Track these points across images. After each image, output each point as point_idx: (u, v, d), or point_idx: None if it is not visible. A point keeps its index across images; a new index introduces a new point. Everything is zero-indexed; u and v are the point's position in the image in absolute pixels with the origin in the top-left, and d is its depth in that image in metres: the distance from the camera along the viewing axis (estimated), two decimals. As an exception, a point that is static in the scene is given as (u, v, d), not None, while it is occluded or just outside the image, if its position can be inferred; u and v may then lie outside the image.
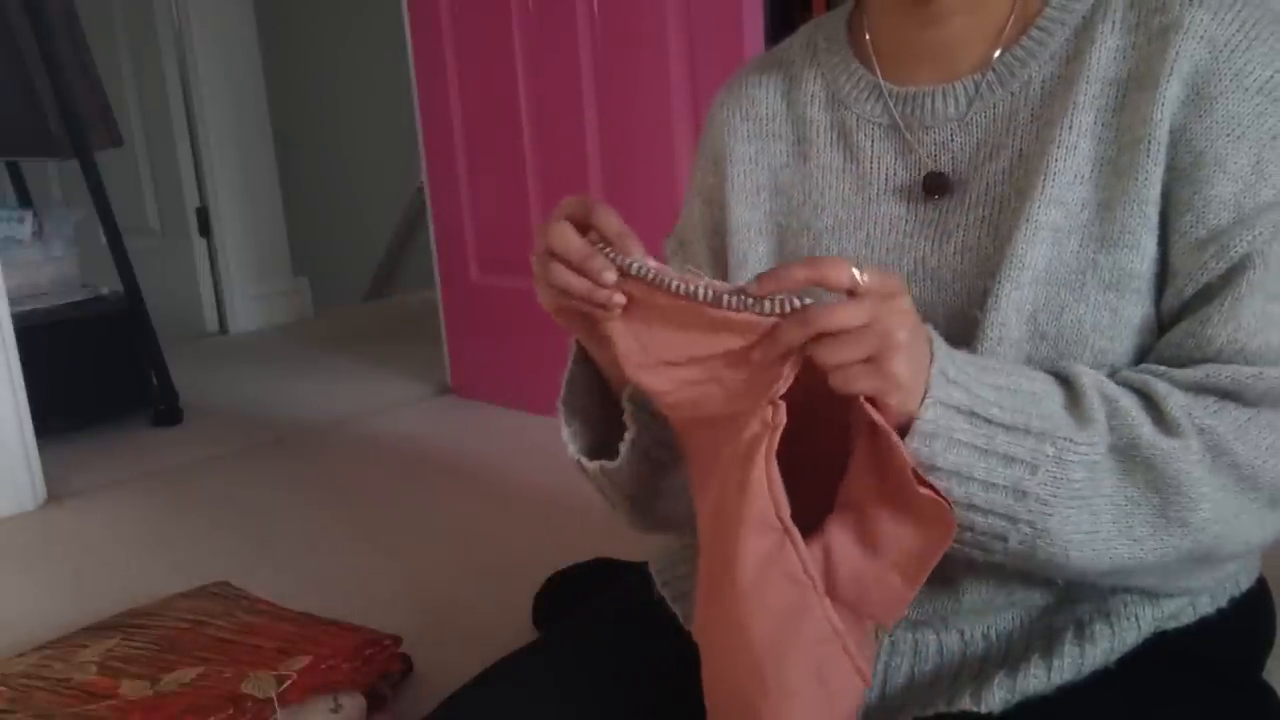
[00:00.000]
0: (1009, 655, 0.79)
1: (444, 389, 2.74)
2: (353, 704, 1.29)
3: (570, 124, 2.30)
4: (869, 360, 0.65)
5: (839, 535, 0.70)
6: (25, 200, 2.96)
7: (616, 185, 2.28)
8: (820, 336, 0.65)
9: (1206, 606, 0.81)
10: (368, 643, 1.34)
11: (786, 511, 0.66)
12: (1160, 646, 0.79)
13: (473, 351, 2.67)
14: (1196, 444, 0.69)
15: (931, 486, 0.67)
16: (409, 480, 2.19)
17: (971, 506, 0.68)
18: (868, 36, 0.86)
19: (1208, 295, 0.73)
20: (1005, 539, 0.70)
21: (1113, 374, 0.74)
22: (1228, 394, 0.70)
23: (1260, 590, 0.86)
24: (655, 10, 2.10)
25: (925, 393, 0.66)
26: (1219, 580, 0.81)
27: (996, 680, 0.76)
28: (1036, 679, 0.76)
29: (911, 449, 0.67)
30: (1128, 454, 0.69)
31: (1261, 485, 0.71)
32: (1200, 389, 0.71)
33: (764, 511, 0.66)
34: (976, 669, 0.79)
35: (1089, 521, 0.69)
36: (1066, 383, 0.71)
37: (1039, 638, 0.78)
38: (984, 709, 0.75)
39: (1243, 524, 0.71)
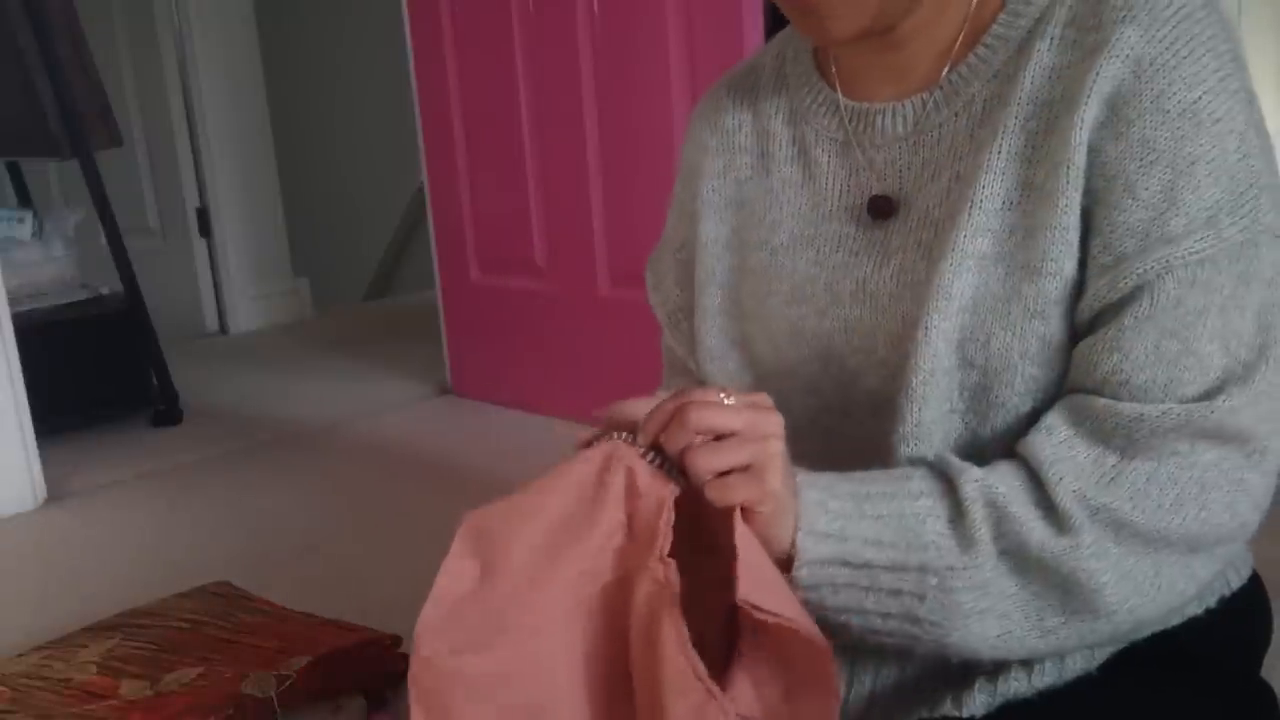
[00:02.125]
0: (987, 664, 0.78)
1: (444, 389, 2.74)
2: (353, 704, 1.29)
3: (570, 124, 2.30)
4: (746, 469, 0.66)
5: (757, 664, 0.70)
6: (25, 200, 2.96)
7: (616, 185, 2.28)
8: (698, 448, 0.66)
9: (1194, 608, 0.80)
10: (368, 643, 1.34)
11: (703, 670, 0.66)
12: (1146, 648, 0.79)
13: (473, 351, 2.67)
14: (1089, 535, 0.69)
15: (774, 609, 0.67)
16: (409, 480, 2.19)
17: (874, 631, 0.71)
18: (829, 50, 0.85)
19: (1102, 323, 0.71)
20: (914, 649, 0.73)
21: (1030, 431, 0.73)
22: (1111, 441, 0.69)
23: (1253, 588, 0.85)
24: (655, 10, 2.10)
25: (796, 552, 0.68)
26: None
27: (977, 685, 0.76)
28: (1017, 682, 0.76)
29: (799, 596, 0.69)
30: (1020, 556, 0.69)
31: (1174, 541, 0.70)
32: (1091, 440, 0.70)
33: (681, 672, 0.65)
34: (959, 675, 0.79)
35: (997, 625, 0.70)
36: (952, 490, 0.70)
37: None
38: (965, 713, 0.75)
39: (1165, 581, 0.71)
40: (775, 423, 0.68)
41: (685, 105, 2.11)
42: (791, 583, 0.69)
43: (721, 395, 0.67)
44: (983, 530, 0.69)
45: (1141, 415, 0.69)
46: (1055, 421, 0.71)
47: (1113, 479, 0.69)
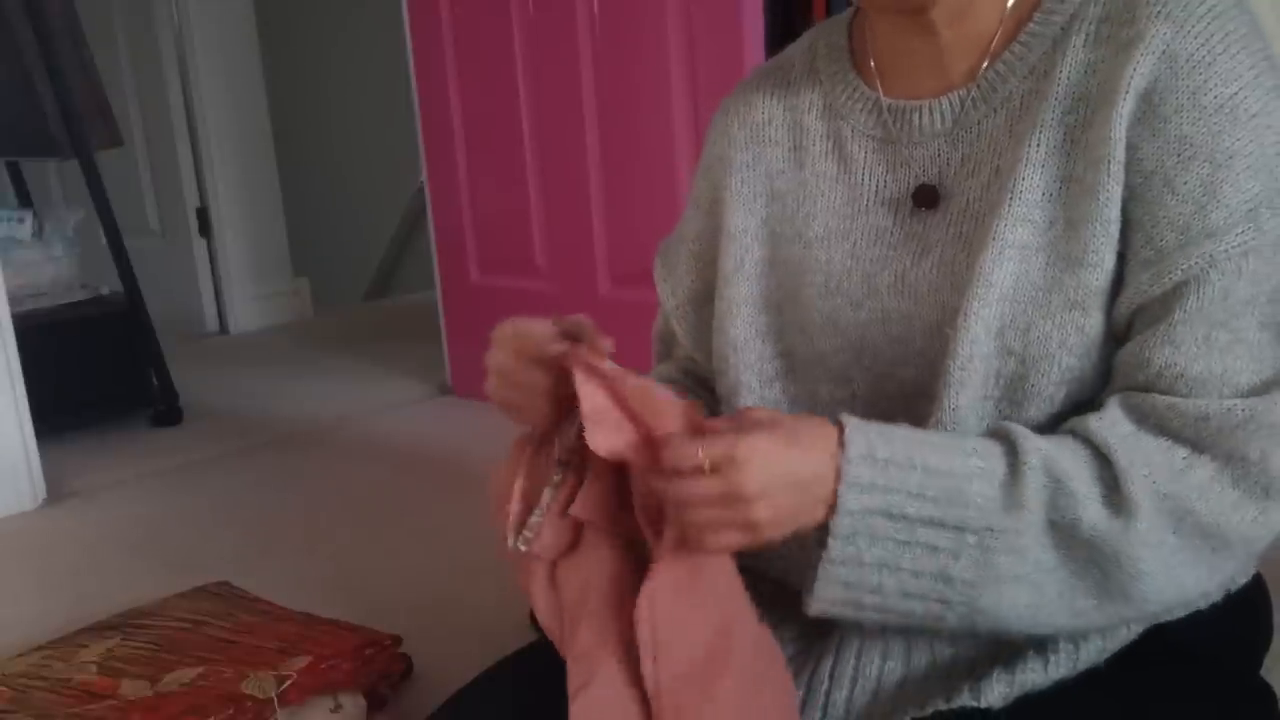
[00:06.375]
0: (1001, 654, 0.79)
1: (444, 389, 2.74)
2: (353, 704, 1.29)
3: (570, 125, 2.30)
4: (732, 527, 0.69)
5: None
6: (25, 200, 2.96)
7: (616, 186, 2.28)
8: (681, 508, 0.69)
9: (1202, 602, 0.80)
10: (368, 643, 1.34)
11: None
12: (1155, 643, 0.79)
13: (473, 351, 2.65)
14: (1146, 522, 0.69)
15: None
16: (409, 480, 2.19)
17: (905, 594, 0.71)
18: (868, 45, 0.87)
19: (1146, 318, 0.72)
20: (943, 618, 0.72)
21: (1084, 416, 0.73)
22: (1179, 436, 0.70)
23: (1256, 586, 0.86)
24: (655, 12, 2.10)
25: (836, 502, 0.70)
26: None
27: (994, 675, 0.76)
28: (1034, 674, 0.76)
29: (833, 551, 0.71)
30: (1069, 532, 0.70)
31: (1231, 541, 0.71)
32: (1158, 434, 0.70)
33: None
34: (970, 667, 0.79)
35: (1029, 595, 0.71)
36: (1012, 453, 0.71)
37: (1031, 637, 0.78)
38: (984, 704, 0.75)
39: (1215, 581, 0.73)
40: (753, 481, 0.68)
41: (685, 105, 2.11)
42: (831, 535, 0.70)
43: (698, 453, 0.68)
44: (1035, 498, 0.69)
45: (1206, 414, 0.69)
46: (1117, 416, 0.72)
47: (1183, 470, 0.70)
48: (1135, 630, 0.79)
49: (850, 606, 0.73)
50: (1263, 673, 0.87)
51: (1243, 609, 0.83)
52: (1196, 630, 0.80)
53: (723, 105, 0.96)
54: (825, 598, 0.73)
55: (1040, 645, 0.78)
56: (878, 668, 0.81)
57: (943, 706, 0.76)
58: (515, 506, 0.78)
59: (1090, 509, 0.69)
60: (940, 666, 0.80)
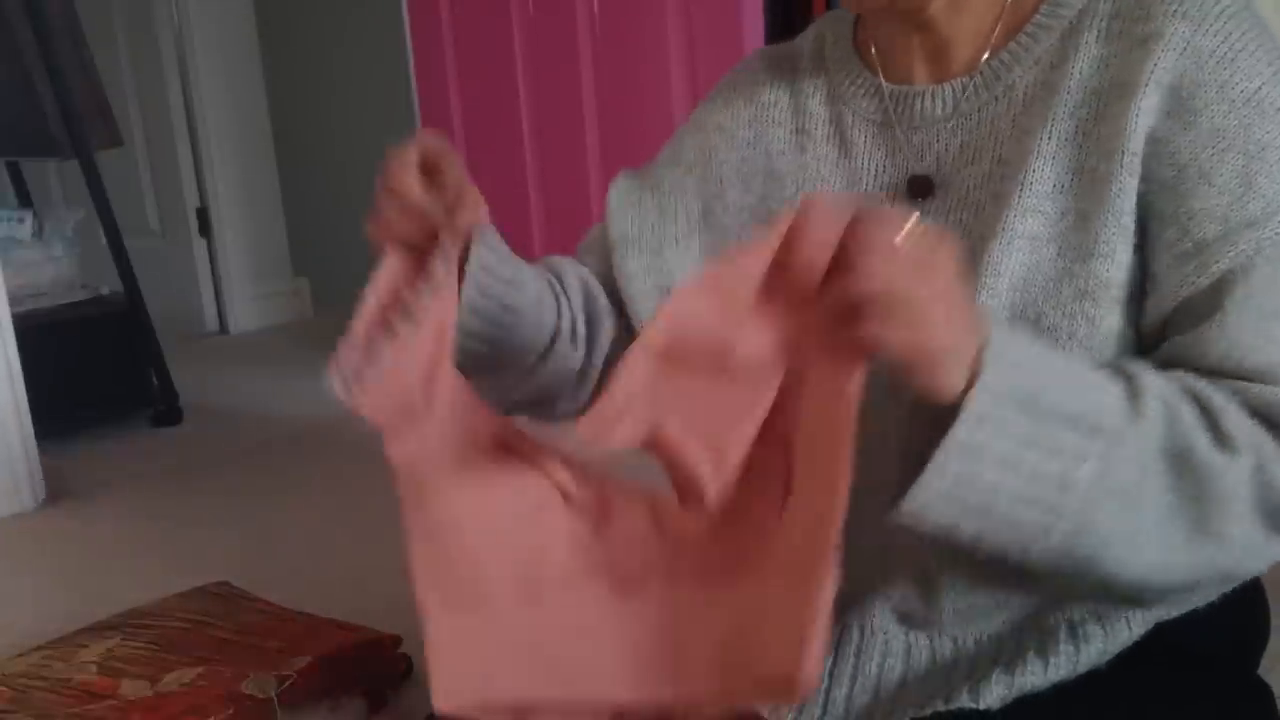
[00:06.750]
0: (1002, 655, 0.79)
1: (444, 389, 2.74)
2: (352, 704, 1.29)
3: (570, 124, 2.31)
4: (907, 319, 0.61)
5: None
6: (25, 200, 2.97)
7: (616, 185, 2.28)
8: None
9: (1198, 599, 0.80)
10: (368, 643, 1.34)
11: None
12: (1155, 641, 0.79)
13: (473, 351, 2.66)
14: (1247, 461, 0.67)
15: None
16: (409, 480, 2.19)
17: (1018, 499, 0.65)
18: (871, 36, 0.87)
19: (1193, 311, 0.72)
20: (1048, 533, 0.66)
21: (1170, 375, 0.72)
22: (1257, 414, 0.69)
23: (1254, 586, 0.86)
24: (655, 12, 2.10)
25: (976, 376, 0.63)
26: None
27: (994, 677, 0.76)
28: (1034, 675, 0.76)
29: (959, 433, 0.63)
30: (1181, 460, 0.67)
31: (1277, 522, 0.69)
32: (1240, 406, 0.69)
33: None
34: (970, 667, 0.79)
35: (1133, 519, 0.67)
36: (1126, 376, 0.69)
37: (1032, 637, 0.79)
38: (982, 705, 0.75)
39: (1258, 546, 0.70)
40: (953, 260, 0.62)
41: (685, 105, 2.11)
42: (961, 417, 0.63)
43: (897, 238, 0.60)
44: (1155, 415, 0.67)
45: (1273, 402, 0.69)
46: (1192, 382, 0.70)
47: (1265, 432, 0.68)
48: (1136, 631, 0.79)
49: (954, 506, 0.65)
50: (1261, 672, 0.88)
51: (1240, 609, 0.83)
52: (1194, 630, 0.80)
53: (730, 78, 0.96)
54: (932, 488, 0.64)
55: (1041, 646, 0.78)
56: (877, 665, 0.81)
57: (941, 708, 0.76)
58: (348, 350, 0.69)
59: (1201, 438, 0.67)
60: (940, 666, 0.80)
